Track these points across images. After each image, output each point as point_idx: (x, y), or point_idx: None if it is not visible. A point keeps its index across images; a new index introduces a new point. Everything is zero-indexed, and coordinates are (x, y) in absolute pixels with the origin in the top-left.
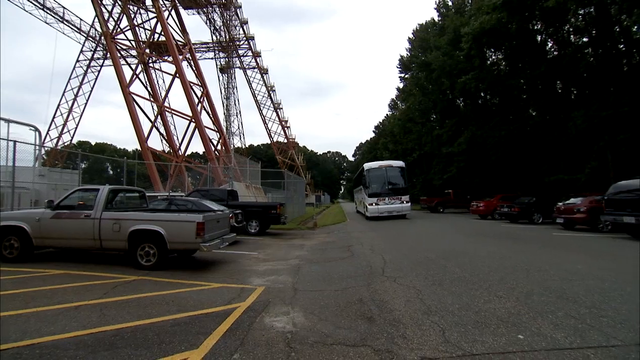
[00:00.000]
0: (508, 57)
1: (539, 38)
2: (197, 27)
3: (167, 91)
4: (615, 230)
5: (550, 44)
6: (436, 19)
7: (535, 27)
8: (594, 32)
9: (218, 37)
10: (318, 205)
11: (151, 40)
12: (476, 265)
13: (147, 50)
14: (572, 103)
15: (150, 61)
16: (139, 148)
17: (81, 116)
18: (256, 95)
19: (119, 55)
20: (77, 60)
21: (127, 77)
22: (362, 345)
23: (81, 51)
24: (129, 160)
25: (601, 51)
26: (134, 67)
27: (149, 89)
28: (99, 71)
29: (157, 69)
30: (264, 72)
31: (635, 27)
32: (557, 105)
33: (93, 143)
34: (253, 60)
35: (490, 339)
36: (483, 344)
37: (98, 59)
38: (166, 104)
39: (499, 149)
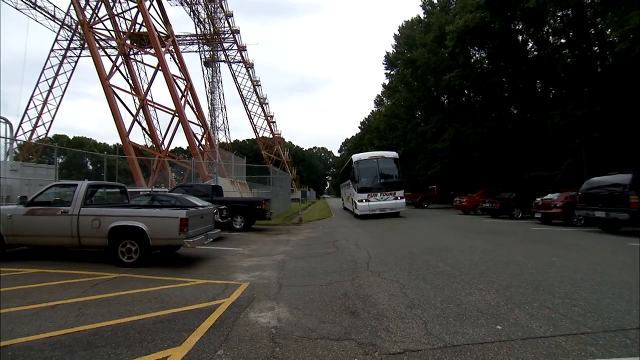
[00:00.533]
0: (491, 56)
1: (520, 38)
2: (180, 18)
3: (150, 84)
4: (588, 224)
5: (530, 44)
6: (422, 16)
7: (517, 27)
8: (571, 33)
9: (202, 29)
10: (304, 201)
11: (132, 31)
12: (458, 259)
13: (128, 42)
14: (550, 102)
15: (131, 53)
16: (120, 142)
17: (57, 108)
18: (241, 89)
19: (97, 45)
20: (52, 50)
21: (107, 69)
22: (346, 339)
23: (56, 40)
24: (110, 155)
25: (577, 52)
26: (113, 58)
27: (130, 81)
28: (76, 62)
29: (139, 61)
30: (249, 66)
31: (609, 30)
32: (537, 104)
33: (71, 137)
34: (238, 54)
35: (470, 330)
36: (464, 335)
37: (75, 48)
38: (148, 98)
39: (481, 146)
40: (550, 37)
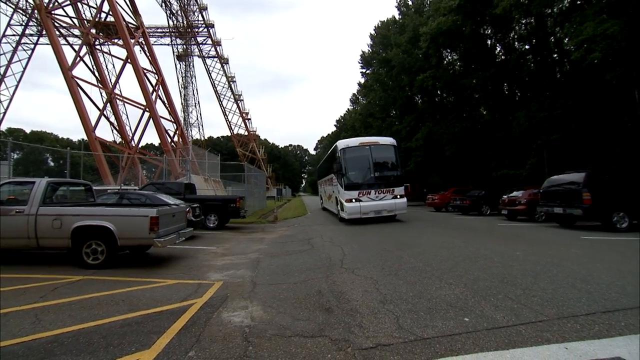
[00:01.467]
0: (462, 58)
1: (489, 42)
2: (151, 9)
3: (118, 77)
4: (548, 220)
5: (498, 49)
6: (397, 17)
7: (486, 32)
8: (534, 40)
9: (175, 22)
10: (279, 199)
11: (97, 19)
12: (430, 255)
13: (93, 31)
14: (516, 104)
15: (97, 43)
16: (85, 138)
17: (11, 100)
18: (216, 85)
19: (57, 33)
20: (4, 35)
21: (70, 59)
22: (319, 336)
23: (8, 25)
24: (74, 151)
25: (539, 58)
26: (77, 48)
27: (97, 73)
28: (32, 49)
29: (106, 53)
30: (224, 61)
31: (566, 39)
32: (504, 106)
33: (28, 131)
34: (213, 48)
35: (440, 323)
36: (433, 328)
37: (31, 35)
38: (117, 91)
39: (453, 145)
40: (516, 43)
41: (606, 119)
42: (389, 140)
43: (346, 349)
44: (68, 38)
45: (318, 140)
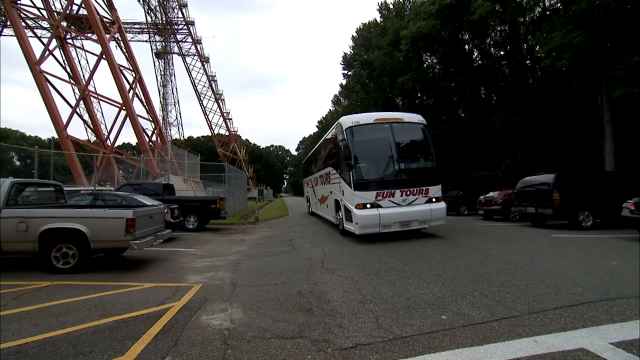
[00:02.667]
0: (441, 62)
1: (467, 47)
2: (128, 4)
3: (92, 73)
4: (522, 219)
5: (475, 54)
6: (378, 19)
7: (464, 37)
8: (508, 47)
9: (153, 18)
10: (260, 200)
11: (68, 12)
12: (409, 255)
13: (64, 24)
14: (492, 107)
15: (68, 37)
16: (56, 136)
17: None
18: (196, 84)
19: (24, 25)
20: None
21: (38, 53)
22: (299, 337)
23: None
24: (43, 150)
25: (513, 64)
26: (46, 41)
27: (69, 69)
28: None
29: (79, 47)
30: (204, 60)
31: (537, 47)
32: (481, 109)
33: None
34: (193, 47)
35: (418, 322)
36: (412, 326)
37: None
38: (91, 88)
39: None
40: (492, 49)
41: (573, 123)
42: (416, 118)
43: (326, 350)
44: (36, 30)
45: (300, 141)
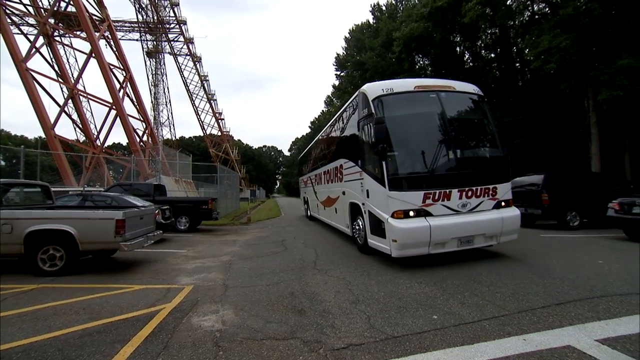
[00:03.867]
0: (433, 64)
1: (458, 49)
2: (118, 2)
3: (81, 72)
4: None
5: (467, 56)
6: (371, 21)
7: (456, 40)
8: (498, 49)
9: (144, 16)
10: (253, 200)
11: (56, 9)
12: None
13: (52, 21)
14: None
15: (56, 34)
16: (43, 136)
17: None
18: (188, 84)
19: (9, 21)
20: None
21: (24, 50)
22: (291, 338)
23: None
24: (29, 150)
25: (504, 67)
26: (32, 38)
27: (57, 67)
28: None
29: (67, 45)
30: (196, 60)
31: (527, 50)
32: None
33: None
34: (185, 46)
35: (410, 322)
36: (404, 326)
37: None
38: (80, 87)
39: None
40: (483, 51)
41: (561, 125)
42: (470, 87)
43: (318, 350)
44: (22, 27)
45: (292, 142)
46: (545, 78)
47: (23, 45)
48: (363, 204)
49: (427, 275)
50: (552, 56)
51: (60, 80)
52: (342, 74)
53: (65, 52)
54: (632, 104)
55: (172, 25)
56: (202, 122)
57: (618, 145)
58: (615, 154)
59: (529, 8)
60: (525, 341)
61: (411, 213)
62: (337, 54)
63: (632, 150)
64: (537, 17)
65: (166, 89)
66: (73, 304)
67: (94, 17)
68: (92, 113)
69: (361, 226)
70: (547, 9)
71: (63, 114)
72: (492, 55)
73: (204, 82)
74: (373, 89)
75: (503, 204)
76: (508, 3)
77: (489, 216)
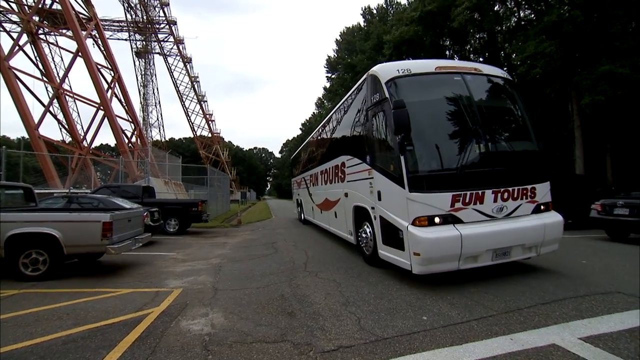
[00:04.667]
0: None
1: (447, 53)
2: (106, 1)
3: (67, 71)
4: None
5: (456, 59)
6: (362, 24)
7: (445, 43)
8: (487, 54)
9: (133, 16)
10: (243, 202)
11: (41, 6)
12: None
13: (36, 18)
14: None
15: (40, 32)
16: (26, 136)
17: None
18: (178, 85)
19: None
20: None
21: (6, 48)
22: (282, 341)
23: None
24: (11, 151)
25: None
26: (15, 36)
27: (41, 66)
28: None
29: (52, 44)
30: (187, 60)
31: (514, 54)
32: None
33: None
34: (175, 47)
35: (400, 323)
36: (393, 328)
37: None
38: (66, 87)
39: None
40: (472, 55)
41: (547, 128)
42: (498, 71)
43: (308, 353)
44: (5, 24)
45: (283, 144)
46: (531, 82)
47: (5, 43)
48: (372, 207)
49: (417, 277)
50: (537, 61)
51: (44, 79)
52: (333, 76)
53: (50, 50)
54: (613, 108)
55: (161, 26)
56: (192, 123)
57: (600, 149)
58: (598, 156)
59: (516, 14)
60: (512, 340)
61: (437, 219)
62: (328, 56)
63: (613, 153)
64: (523, 23)
65: (156, 90)
66: (56, 310)
67: (80, 15)
68: (78, 113)
69: (369, 234)
70: (532, 16)
71: (48, 114)
72: (481, 59)
73: (194, 83)
74: (386, 69)
75: (542, 207)
76: (496, 9)
77: (529, 223)
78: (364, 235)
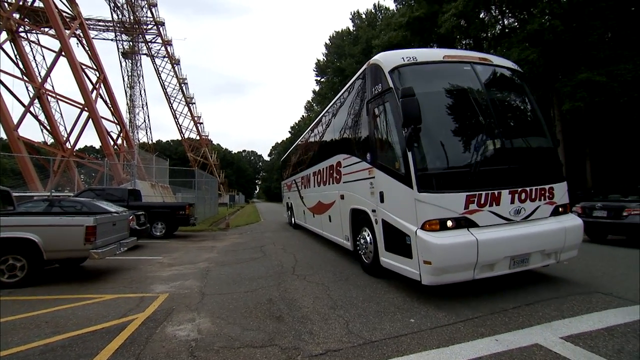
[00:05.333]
0: None
1: None
2: (92, 1)
3: (49, 71)
4: None
5: None
6: (351, 28)
7: (433, 48)
8: None
9: (120, 16)
10: (232, 206)
11: (22, 3)
12: None
13: (16, 16)
14: None
15: (21, 30)
16: (4, 137)
17: None
18: (166, 87)
19: None
20: None
21: None
22: (269, 345)
23: None
24: None
25: None
26: None
27: (21, 65)
28: None
29: (34, 42)
30: (175, 62)
31: None
32: None
33: None
34: (163, 48)
35: (387, 326)
36: (381, 330)
37: None
38: (48, 87)
39: None
40: None
41: None
42: (509, 62)
43: (296, 357)
44: None
45: (272, 146)
46: None
47: None
48: (373, 210)
49: (405, 279)
50: (521, 68)
51: (25, 78)
52: (322, 80)
53: (31, 49)
54: (592, 114)
55: (149, 26)
56: (180, 125)
57: (580, 153)
58: (578, 161)
59: (500, 22)
60: (497, 341)
61: (449, 223)
62: (318, 59)
63: (592, 158)
64: (507, 30)
65: (143, 91)
66: (34, 318)
67: (64, 13)
68: (61, 114)
69: (368, 240)
70: (516, 24)
71: (28, 114)
72: None
73: (182, 85)
74: (389, 57)
75: (561, 209)
76: (481, 16)
77: (548, 226)
78: (362, 241)
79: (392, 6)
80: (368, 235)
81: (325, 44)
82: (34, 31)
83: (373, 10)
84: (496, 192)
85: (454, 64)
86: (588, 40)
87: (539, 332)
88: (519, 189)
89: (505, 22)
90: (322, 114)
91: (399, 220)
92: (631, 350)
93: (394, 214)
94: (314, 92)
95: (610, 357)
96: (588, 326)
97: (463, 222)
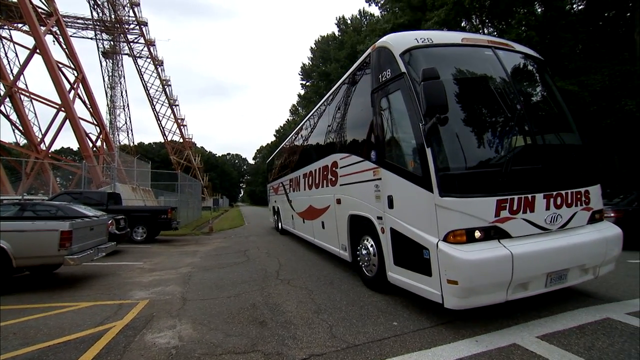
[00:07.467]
0: None
1: None
2: None
3: (22, 69)
4: None
5: None
6: (337, 33)
7: None
8: None
9: (100, 14)
10: (216, 209)
11: None
12: None
13: None
14: None
15: None
16: None
17: None
18: (148, 88)
19: None
20: None
21: None
22: (252, 351)
23: None
24: None
25: None
26: None
27: None
28: None
29: (6, 39)
30: (158, 63)
31: None
32: None
33: None
34: (145, 48)
35: (371, 329)
36: (365, 334)
37: None
38: (21, 85)
39: None
40: None
41: None
42: (530, 50)
43: None
44: None
45: (257, 150)
46: None
47: None
48: (379, 217)
49: (389, 283)
50: None
51: None
52: (307, 84)
53: (3, 45)
54: None
55: (131, 26)
56: (162, 127)
57: None
58: None
59: (480, 31)
60: (477, 342)
61: (477, 234)
62: (303, 63)
63: None
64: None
65: (124, 92)
66: (1, 329)
67: (39, 9)
68: (35, 114)
69: (371, 251)
70: (495, 33)
71: None
72: None
73: (165, 86)
74: (400, 39)
75: (597, 216)
76: (462, 25)
77: (588, 237)
78: (364, 251)
79: (377, 12)
80: (371, 245)
81: (311, 48)
82: (6, 27)
83: (358, 16)
84: (530, 196)
85: (475, 48)
86: (561, 51)
87: (516, 332)
88: (554, 193)
89: (486, 31)
90: (315, 109)
91: (413, 230)
92: (601, 347)
93: (406, 223)
94: (299, 95)
95: (582, 355)
96: (562, 325)
97: (493, 233)
